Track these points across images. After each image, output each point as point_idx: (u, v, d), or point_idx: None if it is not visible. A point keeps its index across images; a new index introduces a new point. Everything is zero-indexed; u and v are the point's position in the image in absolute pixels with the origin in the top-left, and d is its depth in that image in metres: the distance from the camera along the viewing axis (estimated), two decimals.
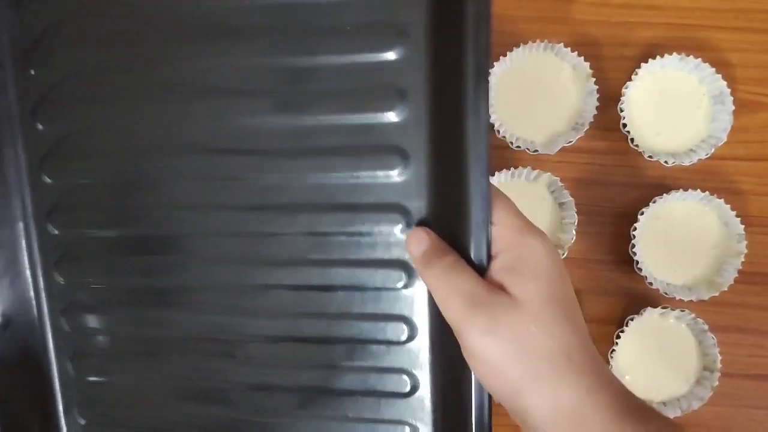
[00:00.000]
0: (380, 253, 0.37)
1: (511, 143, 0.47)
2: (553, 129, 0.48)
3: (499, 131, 0.47)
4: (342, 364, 0.39)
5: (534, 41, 0.47)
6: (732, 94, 0.46)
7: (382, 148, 0.35)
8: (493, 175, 0.46)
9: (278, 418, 0.41)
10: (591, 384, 0.30)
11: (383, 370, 0.38)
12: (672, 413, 0.45)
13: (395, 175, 0.35)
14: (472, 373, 0.32)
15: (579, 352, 0.31)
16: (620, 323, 0.47)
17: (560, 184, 0.47)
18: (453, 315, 0.31)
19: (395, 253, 0.37)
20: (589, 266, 0.49)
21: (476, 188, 0.31)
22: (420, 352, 0.37)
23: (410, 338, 0.37)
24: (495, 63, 0.47)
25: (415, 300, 0.37)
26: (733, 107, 0.46)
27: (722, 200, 0.46)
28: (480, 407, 0.34)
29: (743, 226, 0.45)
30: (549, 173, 0.46)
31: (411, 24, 0.34)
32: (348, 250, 0.37)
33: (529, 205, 0.48)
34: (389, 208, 0.36)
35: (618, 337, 0.46)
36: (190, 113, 0.39)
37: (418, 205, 0.35)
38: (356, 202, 0.37)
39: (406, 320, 0.37)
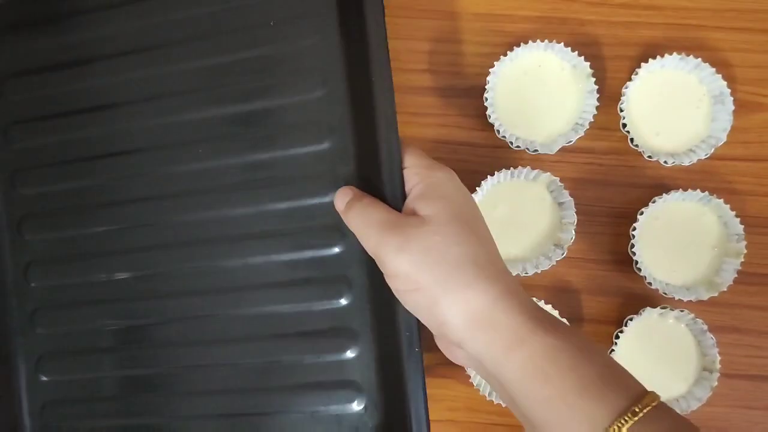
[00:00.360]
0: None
1: (511, 143, 0.47)
2: (553, 129, 0.48)
3: (499, 131, 0.47)
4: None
5: (534, 41, 0.47)
6: (732, 94, 0.46)
7: (309, 124, 0.41)
8: (492, 174, 0.46)
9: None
10: (501, 291, 0.32)
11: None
12: None
13: (324, 147, 0.40)
14: (398, 300, 0.35)
15: (487, 262, 0.33)
16: (619, 323, 0.47)
17: (560, 183, 0.46)
18: (371, 243, 0.34)
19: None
20: (588, 266, 0.48)
21: (386, 145, 0.37)
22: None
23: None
24: (495, 63, 0.47)
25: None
26: (733, 107, 0.46)
27: (722, 200, 0.46)
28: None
29: (743, 226, 0.45)
30: (548, 173, 0.46)
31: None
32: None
33: (529, 205, 0.48)
34: (319, 177, 0.41)
35: (617, 337, 0.46)
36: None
37: (346, 169, 0.40)
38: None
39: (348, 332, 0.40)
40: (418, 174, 0.36)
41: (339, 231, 0.39)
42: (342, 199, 0.37)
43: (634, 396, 0.29)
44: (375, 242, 0.34)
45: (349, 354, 0.40)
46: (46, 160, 0.45)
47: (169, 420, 0.43)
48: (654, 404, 0.29)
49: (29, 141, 0.45)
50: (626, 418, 0.28)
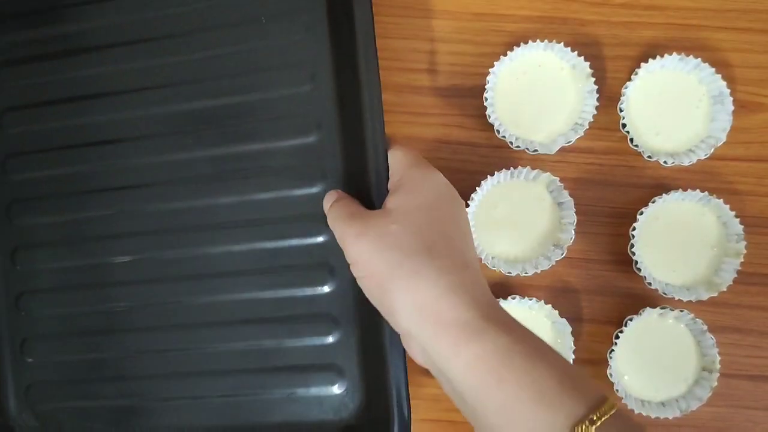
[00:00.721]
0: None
1: (511, 143, 0.47)
2: (553, 129, 0.48)
3: (498, 131, 0.47)
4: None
5: (534, 41, 0.47)
6: (732, 94, 0.46)
7: (297, 117, 0.42)
8: (492, 174, 0.46)
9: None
10: (452, 282, 0.31)
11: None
12: (670, 413, 0.45)
13: (311, 140, 0.41)
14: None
15: (444, 253, 0.32)
16: (619, 323, 0.47)
17: (559, 183, 0.46)
18: (337, 233, 0.35)
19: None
20: (587, 266, 0.49)
21: (373, 139, 0.38)
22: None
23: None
24: (495, 62, 0.47)
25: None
26: (733, 107, 0.46)
27: (721, 200, 0.45)
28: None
29: (742, 226, 0.45)
30: (548, 173, 0.46)
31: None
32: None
33: (528, 205, 0.48)
34: (305, 168, 0.42)
35: (617, 337, 0.46)
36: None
37: (332, 162, 0.41)
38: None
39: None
40: (399, 170, 0.36)
41: (323, 221, 0.40)
42: (328, 200, 0.39)
43: (592, 403, 0.28)
44: (340, 231, 0.35)
45: (331, 338, 0.41)
46: (35, 146, 0.45)
47: (150, 402, 0.44)
48: (612, 412, 0.28)
49: (20, 128, 0.46)
50: (583, 427, 0.27)
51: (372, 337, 0.39)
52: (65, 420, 0.45)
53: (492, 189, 0.48)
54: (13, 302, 0.45)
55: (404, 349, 0.37)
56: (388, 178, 0.37)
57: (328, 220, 0.38)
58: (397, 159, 0.37)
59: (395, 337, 0.38)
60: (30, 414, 0.45)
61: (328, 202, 0.39)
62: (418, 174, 0.36)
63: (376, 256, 0.33)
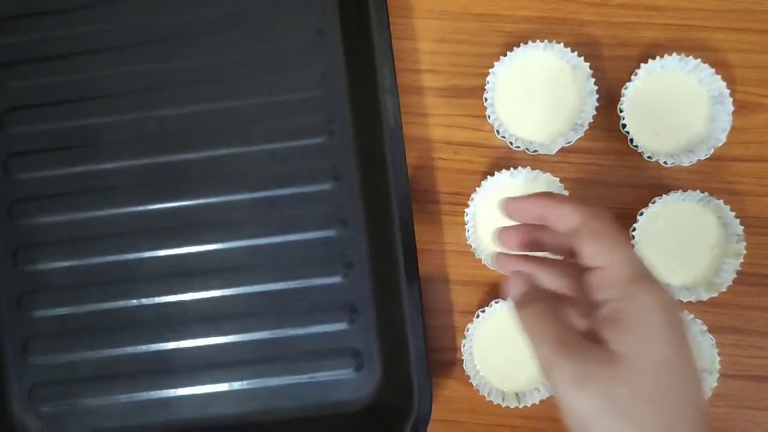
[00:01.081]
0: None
1: (511, 143, 0.47)
2: (553, 129, 0.48)
3: (498, 131, 0.47)
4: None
5: (534, 41, 0.47)
6: (732, 94, 0.46)
7: (308, 119, 0.44)
8: (493, 175, 0.46)
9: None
10: None
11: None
12: None
13: (322, 141, 0.44)
14: (401, 273, 0.37)
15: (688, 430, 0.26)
16: None
17: (559, 184, 0.46)
18: (543, 359, 0.29)
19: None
20: None
21: (391, 141, 0.41)
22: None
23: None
24: (495, 63, 0.47)
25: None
26: (733, 108, 0.46)
27: (721, 201, 0.45)
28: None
29: (742, 227, 0.45)
30: (548, 173, 0.46)
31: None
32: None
33: None
34: (319, 167, 0.44)
35: None
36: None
37: (345, 162, 0.44)
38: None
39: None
40: (617, 286, 0.28)
41: (337, 215, 0.43)
42: (514, 288, 0.32)
43: None
44: (547, 361, 0.28)
45: (350, 325, 0.43)
46: (38, 146, 0.46)
47: (161, 397, 0.44)
48: None
49: (22, 128, 0.46)
50: None
51: (390, 320, 0.40)
52: (68, 421, 0.45)
53: (492, 189, 0.48)
54: (14, 302, 0.45)
55: (423, 329, 0.37)
56: (407, 180, 0.39)
57: (521, 319, 0.31)
58: (614, 261, 0.28)
59: (415, 318, 0.39)
60: (32, 416, 0.45)
61: (515, 291, 0.32)
62: (647, 302, 0.27)
63: (603, 422, 0.26)
